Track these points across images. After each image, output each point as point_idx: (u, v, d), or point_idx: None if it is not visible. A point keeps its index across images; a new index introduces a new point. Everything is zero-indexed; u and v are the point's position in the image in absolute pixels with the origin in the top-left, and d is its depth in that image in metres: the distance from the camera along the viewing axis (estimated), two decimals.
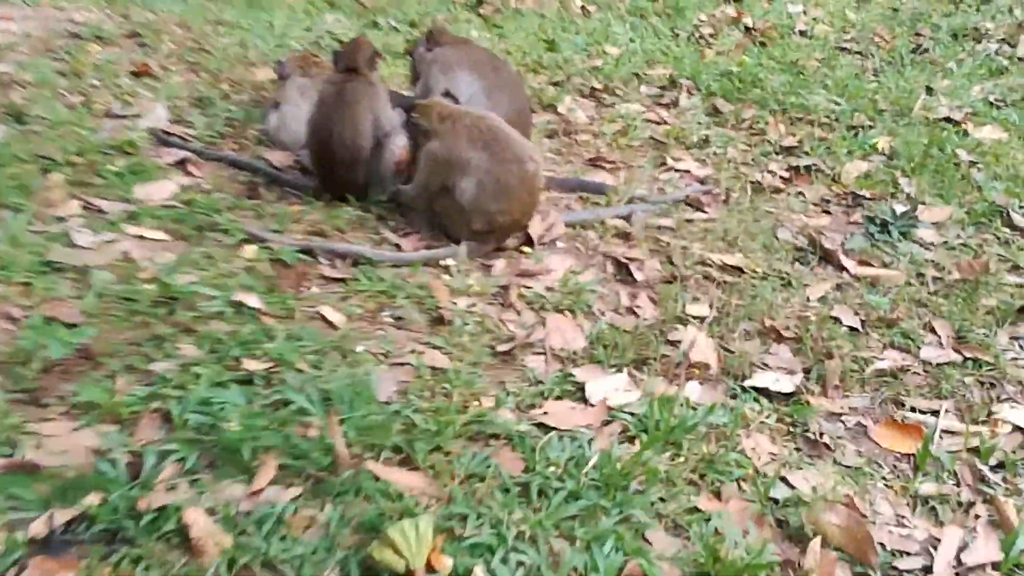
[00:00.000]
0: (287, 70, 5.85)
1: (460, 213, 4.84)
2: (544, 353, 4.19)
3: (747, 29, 10.05)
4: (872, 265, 5.24)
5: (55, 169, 4.97)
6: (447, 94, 5.13)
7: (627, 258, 5.01)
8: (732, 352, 4.33)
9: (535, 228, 5.13)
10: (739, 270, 5.03)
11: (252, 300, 4.13)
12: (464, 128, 4.79)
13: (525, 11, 10.59)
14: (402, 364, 3.97)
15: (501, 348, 4.14)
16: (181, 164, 5.33)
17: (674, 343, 4.33)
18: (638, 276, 4.88)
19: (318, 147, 5.14)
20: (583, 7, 10.80)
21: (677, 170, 6.23)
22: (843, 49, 9.37)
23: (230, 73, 6.56)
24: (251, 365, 3.75)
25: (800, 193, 6.02)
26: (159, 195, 4.95)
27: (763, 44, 9.37)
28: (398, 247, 4.88)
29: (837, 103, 7.42)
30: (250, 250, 4.58)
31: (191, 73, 6.54)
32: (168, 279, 4.20)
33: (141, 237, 4.59)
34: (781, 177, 6.18)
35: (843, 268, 5.19)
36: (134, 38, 6.87)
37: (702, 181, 6.10)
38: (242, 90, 6.37)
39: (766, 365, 4.29)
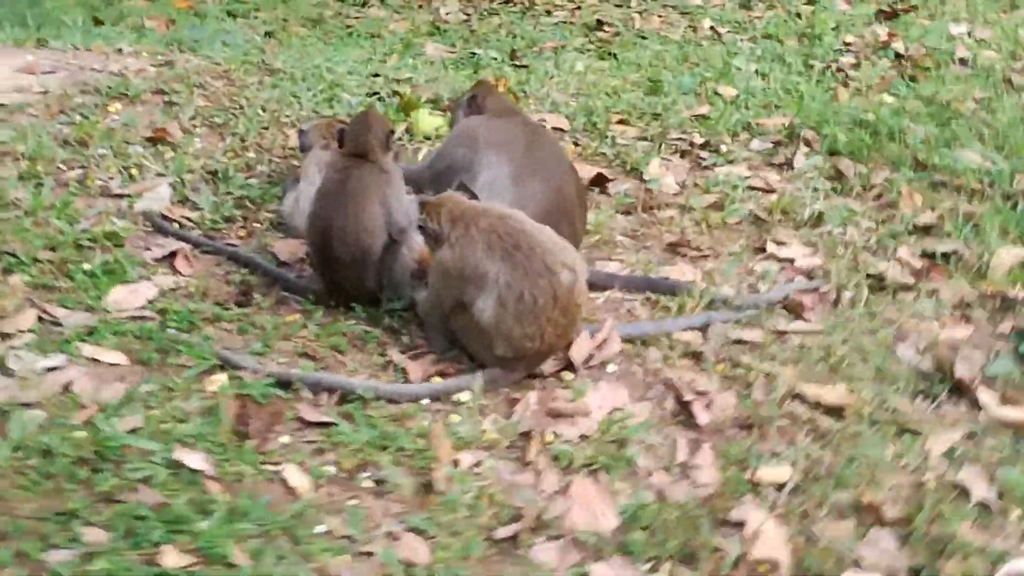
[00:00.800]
0: (308, 140, 5.21)
1: (479, 335, 4.07)
2: (561, 537, 3.37)
3: (897, 56, 8.90)
4: (1021, 404, 4.18)
5: (17, 269, 4.44)
6: (461, 187, 4.36)
7: (692, 391, 4.11)
8: (815, 541, 3.39)
9: (579, 348, 4.31)
10: (839, 411, 4.07)
11: (195, 460, 3.48)
12: (480, 233, 4.02)
13: (648, 33, 9.75)
14: (368, 554, 3.22)
15: (501, 533, 3.35)
16: (170, 258, 4.74)
17: (736, 525, 3.44)
18: (703, 418, 4.00)
19: (319, 245, 4.49)
20: (712, 28, 9.86)
21: (778, 259, 5.27)
22: (1010, 83, 8.10)
23: (260, 137, 5.97)
24: (170, 558, 3.07)
25: (934, 292, 4.97)
26: (131, 302, 4.38)
27: (913, 79, 8.21)
28: (404, 372, 4.13)
29: (993, 161, 6.26)
30: (218, 381, 3.92)
31: (215, 137, 5.98)
32: (105, 424, 3.60)
33: (94, 360, 4.01)
34: (911, 269, 5.14)
35: (980, 407, 4.15)
36: (163, 94, 6.35)
37: (808, 275, 5.13)
38: (268, 159, 5.76)
39: (859, 566, 3.34)
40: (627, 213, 5.70)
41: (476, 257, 4.01)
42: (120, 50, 7.56)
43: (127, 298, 4.40)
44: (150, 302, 4.40)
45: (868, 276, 5.09)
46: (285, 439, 3.72)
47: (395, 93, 6.78)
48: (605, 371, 4.31)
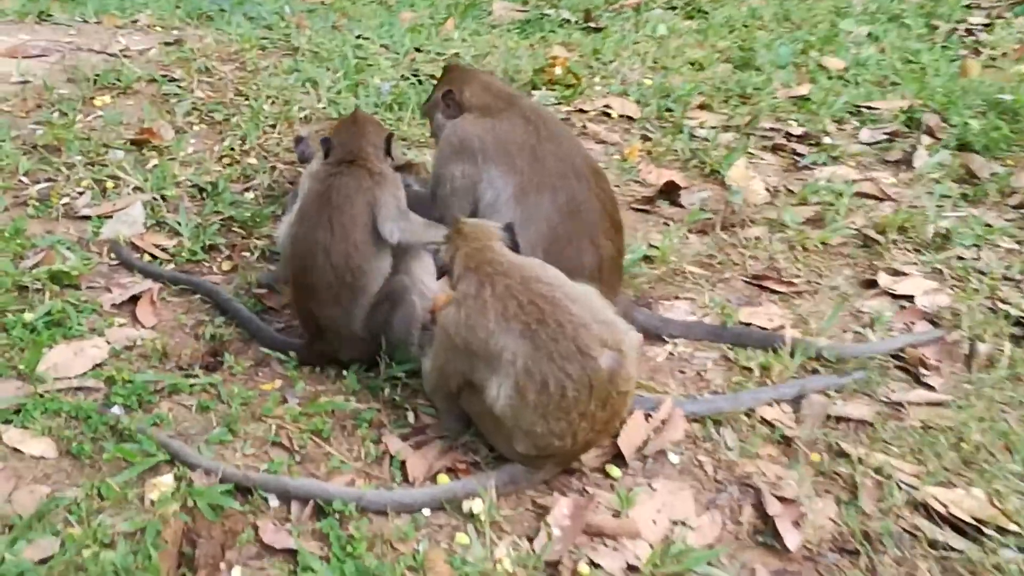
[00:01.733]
0: (308, 150, 4.36)
1: (495, 425, 3.22)
2: None
3: None
4: None
5: None
6: (508, 229, 3.45)
7: (776, 498, 3.22)
8: None
9: (630, 435, 3.46)
10: (977, 529, 3.14)
11: None
12: (494, 298, 3.18)
13: None
14: None
15: None
16: (132, 303, 3.96)
17: None
18: (792, 539, 3.14)
19: (297, 275, 3.74)
20: None
21: (893, 295, 4.30)
22: None
23: (264, 137, 5.16)
24: None
25: None
26: (72, 368, 3.65)
27: None
28: (403, 467, 3.30)
29: None
30: (161, 486, 3.15)
31: (212, 137, 5.19)
32: (8, 550, 2.86)
33: (15, 451, 3.28)
34: None
35: None
36: (160, 83, 5.56)
37: (932, 320, 4.15)
38: (270, 166, 4.95)
39: None
40: (702, 232, 4.75)
41: (487, 329, 3.14)
42: (136, 20, 6.80)
43: (69, 361, 3.65)
44: (97, 367, 3.65)
45: (1008, 321, 4.08)
46: (237, 573, 2.92)
47: (432, 76, 5.86)
48: (664, 463, 3.44)
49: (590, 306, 3.19)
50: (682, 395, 3.73)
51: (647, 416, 3.52)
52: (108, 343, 3.75)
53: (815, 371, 3.86)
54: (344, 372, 3.70)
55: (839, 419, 3.63)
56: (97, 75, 5.58)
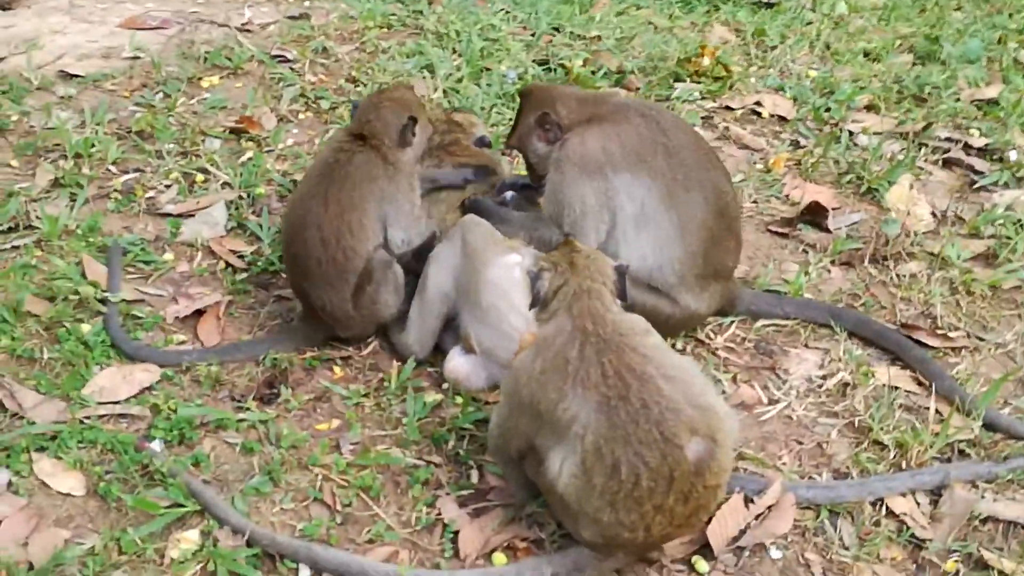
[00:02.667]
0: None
1: (559, 502, 2.80)
2: None
3: None
4: None
5: None
6: (621, 272, 3.02)
7: None
8: None
9: (723, 524, 3.00)
10: None
11: None
12: (582, 355, 2.77)
13: None
14: None
15: None
16: (197, 317, 3.71)
17: None
18: None
19: (286, 249, 3.67)
20: None
21: None
22: None
23: None
24: None
25: None
26: (119, 391, 3.46)
27: None
28: (455, 540, 2.95)
29: None
30: (185, 541, 2.89)
31: (317, 127, 4.91)
32: None
33: (43, 485, 3.06)
34: None
35: None
36: (272, 64, 5.30)
37: None
38: None
39: None
40: (847, 265, 4.18)
41: (560, 389, 2.74)
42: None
43: (117, 385, 3.44)
44: (145, 391, 3.40)
45: None
46: None
47: (561, 66, 5.41)
48: (763, 558, 2.98)
49: (687, 386, 2.74)
50: (795, 473, 3.22)
51: (748, 500, 3.04)
52: (161, 366, 3.50)
53: (963, 453, 3.28)
54: (406, 419, 3.34)
55: (986, 519, 3.07)
56: (207, 53, 5.35)
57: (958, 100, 5.42)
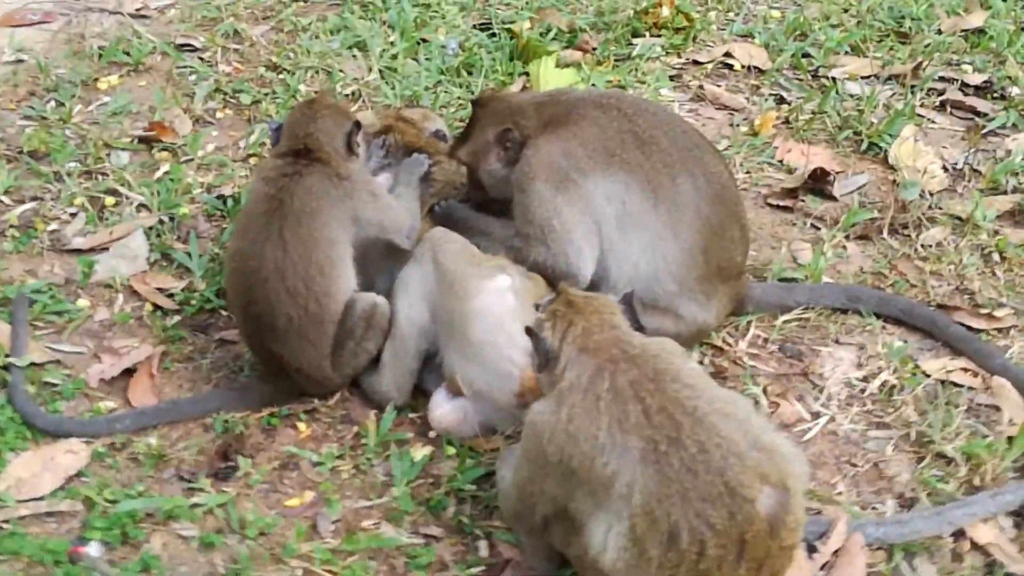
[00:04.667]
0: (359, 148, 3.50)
1: None
2: None
3: None
4: None
5: None
6: (627, 301, 2.58)
7: None
8: None
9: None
10: None
11: None
12: (613, 395, 2.31)
13: None
14: None
15: None
16: (128, 377, 3.16)
17: None
18: None
19: (241, 301, 3.08)
20: None
21: None
22: None
23: None
24: None
25: None
26: (41, 483, 2.93)
27: None
28: None
29: None
30: None
31: (239, 127, 4.32)
32: None
33: None
34: None
35: None
36: (178, 55, 4.67)
37: None
38: None
39: None
40: (864, 239, 3.75)
41: (595, 440, 2.28)
42: None
43: (37, 475, 2.91)
44: (74, 478, 2.85)
45: None
46: None
47: (507, 31, 4.87)
48: None
49: (745, 424, 2.29)
50: (855, 505, 2.79)
51: (811, 548, 2.61)
52: (88, 443, 2.96)
53: None
54: (393, 482, 2.84)
55: None
56: (102, 48, 4.71)
57: (941, 32, 5.00)
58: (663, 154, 3.11)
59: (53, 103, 4.41)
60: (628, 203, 3.09)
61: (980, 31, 5.02)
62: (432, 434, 3.02)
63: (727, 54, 4.87)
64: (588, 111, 3.17)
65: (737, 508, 2.19)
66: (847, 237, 3.74)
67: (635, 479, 2.23)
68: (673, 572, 2.22)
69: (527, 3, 5.23)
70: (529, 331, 2.47)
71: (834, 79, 4.60)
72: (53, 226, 3.77)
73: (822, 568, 2.61)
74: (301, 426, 3.06)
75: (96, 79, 4.56)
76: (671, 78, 4.69)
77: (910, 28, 5.06)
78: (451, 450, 2.95)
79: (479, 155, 3.24)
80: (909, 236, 3.73)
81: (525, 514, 2.54)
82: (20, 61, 4.73)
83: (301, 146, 3.10)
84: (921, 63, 4.69)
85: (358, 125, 3.21)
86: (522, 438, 2.49)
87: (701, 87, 4.63)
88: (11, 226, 3.75)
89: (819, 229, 3.80)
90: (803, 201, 3.92)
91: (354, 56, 4.73)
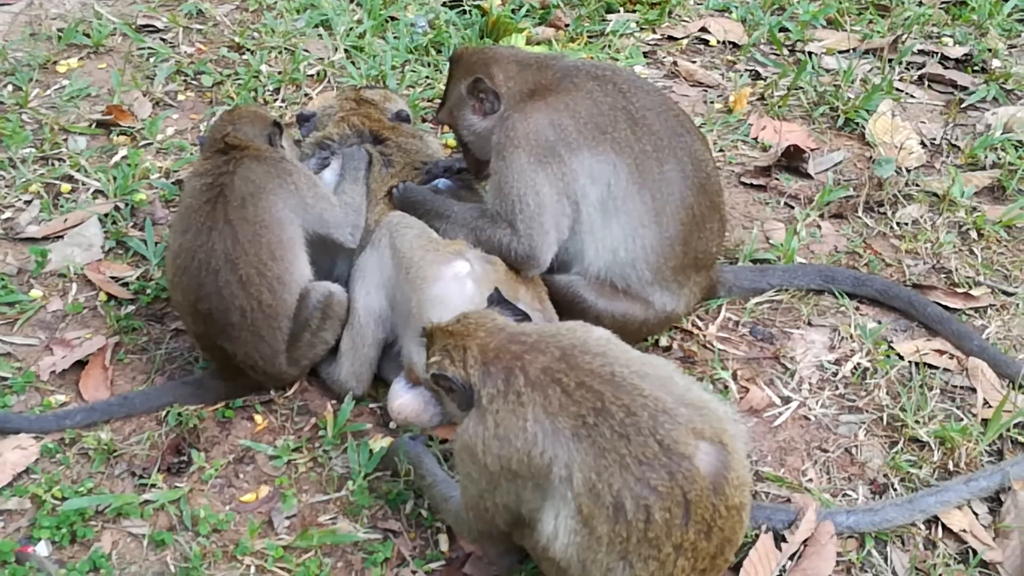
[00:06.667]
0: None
1: (560, 571, 2.26)
2: None
3: None
4: None
5: None
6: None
7: None
8: None
9: (755, 571, 2.47)
10: None
11: None
12: (532, 388, 2.27)
13: None
14: None
15: None
16: (80, 369, 3.08)
17: None
18: None
19: (193, 312, 2.95)
20: None
21: None
22: None
23: (266, 107, 4.15)
24: None
25: None
26: None
27: None
28: None
29: None
30: None
31: (200, 109, 4.23)
32: None
33: None
34: None
35: None
36: (139, 35, 4.57)
37: None
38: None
39: None
40: (838, 217, 3.68)
41: (525, 433, 2.22)
42: None
43: None
44: (23, 475, 2.79)
45: None
46: None
47: (478, 8, 4.77)
48: None
49: (667, 382, 2.25)
50: (826, 493, 2.73)
51: (780, 538, 2.55)
52: (38, 439, 2.88)
53: (1018, 444, 2.83)
54: (351, 475, 2.77)
55: None
56: (61, 30, 4.61)
57: (921, 4, 4.92)
58: (654, 137, 3.01)
59: (10, 87, 4.31)
60: (613, 186, 2.99)
61: (962, 2, 4.94)
62: (392, 424, 2.94)
63: (703, 29, 4.79)
64: (582, 81, 3.06)
65: (676, 466, 2.14)
66: (821, 216, 3.67)
67: (572, 458, 2.19)
68: (624, 547, 2.16)
69: None
70: (436, 379, 2.39)
71: (811, 54, 4.52)
72: (7, 214, 3.68)
73: (791, 558, 2.55)
74: (257, 418, 2.99)
75: (55, 62, 4.47)
76: (645, 54, 4.61)
77: (890, 0, 4.99)
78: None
79: (454, 111, 3.16)
80: (885, 214, 3.66)
81: (485, 531, 2.47)
82: None
83: (222, 145, 3.03)
84: (900, 36, 4.61)
85: (278, 126, 3.18)
86: (457, 462, 2.43)
87: (675, 63, 4.55)
88: None
89: (793, 208, 3.73)
90: (777, 180, 3.85)
91: (320, 35, 4.63)
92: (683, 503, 2.15)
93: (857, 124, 4.09)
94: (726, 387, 3.03)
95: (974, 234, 3.56)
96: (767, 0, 4.94)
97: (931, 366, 3.07)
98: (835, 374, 3.08)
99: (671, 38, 4.76)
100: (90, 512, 2.69)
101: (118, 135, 4.05)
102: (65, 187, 3.78)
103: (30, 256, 3.49)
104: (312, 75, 4.39)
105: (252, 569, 2.57)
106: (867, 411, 2.96)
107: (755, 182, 3.84)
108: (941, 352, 3.12)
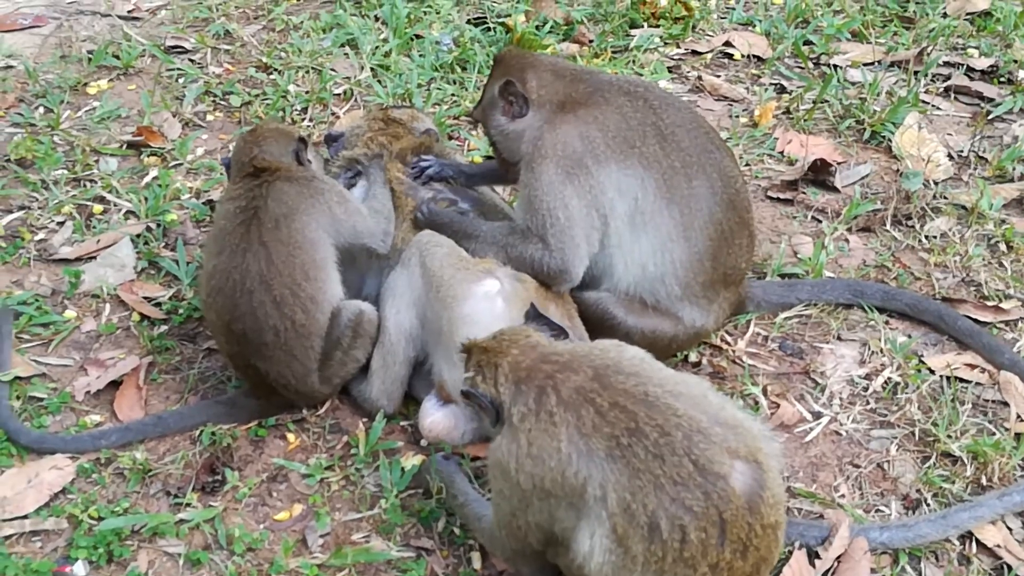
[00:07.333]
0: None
1: None
2: None
3: None
4: None
5: None
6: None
7: None
8: None
9: None
10: None
11: None
12: (565, 407, 2.27)
13: None
14: None
15: None
16: (114, 389, 3.12)
17: None
18: None
19: (227, 332, 2.98)
20: None
21: None
22: None
23: (294, 125, 4.19)
24: None
25: None
26: (25, 501, 2.90)
27: None
28: None
29: None
30: None
31: (225, 132, 4.27)
32: None
33: None
34: None
35: None
36: (167, 57, 4.62)
37: None
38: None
39: None
40: (866, 231, 3.67)
41: (558, 453, 2.24)
42: None
43: (21, 493, 2.87)
44: (59, 495, 2.82)
45: None
46: None
47: (502, 25, 4.80)
48: None
49: (701, 401, 2.25)
50: (859, 508, 2.73)
51: (813, 555, 2.54)
52: (74, 459, 2.91)
53: None
54: (383, 493, 2.79)
55: None
56: (91, 52, 4.67)
57: (946, 16, 4.92)
58: (683, 153, 3.03)
59: (42, 109, 4.37)
60: (641, 200, 3.00)
61: (987, 14, 4.94)
62: (423, 442, 2.96)
63: (727, 43, 4.81)
64: (613, 96, 3.08)
65: (711, 486, 2.15)
66: (849, 230, 3.67)
67: (606, 479, 2.20)
68: (659, 567, 2.17)
69: None
70: (467, 396, 2.42)
71: (836, 67, 4.52)
72: (40, 235, 3.73)
73: (825, 574, 2.54)
74: (290, 436, 3.01)
75: (85, 83, 4.53)
76: (669, 69, 4.63)
77: (914, 12, 4.99)
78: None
79: (486, 111, 3.20)
80: (913, 227, 3.66)
81: (520, 550, 2.48)
82: (9, 67, 4.69)
83: (251, 169, 3.05)
84: (925, 48, 4.61)
85: (303, 140, 3.19)
86: (491, 479, 2.45)
87: (700, 78, 4.56)
88: None
89: (820, 222, 3.73)
90: (804, 193, 3.86)
91: (346, 54, 4.67)
92: (719, 523, 2.15)
93: (883, 137, 4.09)
94: (756, 403, 3.03)
95: (1003, 247, 3.56)
96: (791, 13, 4.95)
97: (962, 380, 3.07)
98: (866, 389, 3.08)
99: (695, 52, 4.78)
100: (126, 531, 2.72)
101: (149, 156, 4.09)
102: (97, 208, 3.83)
103: (64, 277, 3.53)
104: (339, 94, 4.43)
105: None
106: (899, 426, 2.96)
107: (782, 196, 3.84)
108: (972, 366, 3.12)
